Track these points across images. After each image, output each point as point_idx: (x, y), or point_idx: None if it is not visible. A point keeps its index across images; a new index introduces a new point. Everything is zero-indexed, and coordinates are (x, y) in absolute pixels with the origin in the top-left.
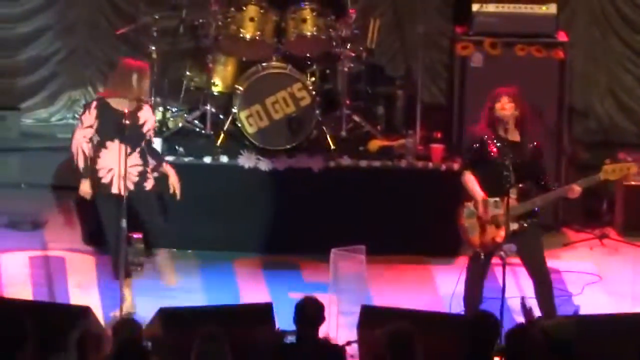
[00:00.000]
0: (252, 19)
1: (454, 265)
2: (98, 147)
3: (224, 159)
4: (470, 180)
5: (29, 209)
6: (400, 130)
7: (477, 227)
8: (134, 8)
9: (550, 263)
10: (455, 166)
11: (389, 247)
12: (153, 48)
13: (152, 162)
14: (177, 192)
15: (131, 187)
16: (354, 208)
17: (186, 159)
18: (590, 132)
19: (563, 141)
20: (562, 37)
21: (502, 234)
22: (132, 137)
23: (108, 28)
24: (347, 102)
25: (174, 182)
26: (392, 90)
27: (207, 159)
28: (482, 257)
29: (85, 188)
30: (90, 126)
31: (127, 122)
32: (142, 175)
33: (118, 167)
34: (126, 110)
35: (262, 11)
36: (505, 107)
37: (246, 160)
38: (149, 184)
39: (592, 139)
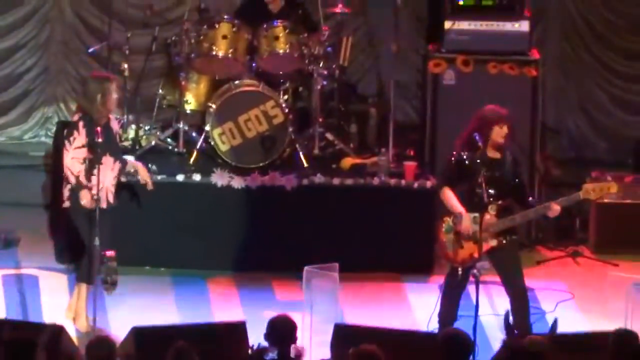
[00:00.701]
0: (224, 37)
1: (428, 283)
2: (92, 164)
3: (197, 177)
4: (449, 196)
5: (1, 227)
6: (373, 148)
7: (455, 242)
8: (107, 26)
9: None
10: (428, 184)
11: (362, 264)
12: (125, 66)
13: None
14: (149, 182)
15: (112, 200)
16: (327, 226)
17: (159, 177)
18: (563, 149)
19: (535, 158)
20: (534, 54)
21: (479, 249)
22: (115, 149)
23: (80, 46)
24: (320, 120)
25: (144, 175)
26: (364, 108)
27: (180, 177)
28: (460, 272)
29: (87, 198)
30: (82, 146)
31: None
32: (116, 188)
33: (104, 182)
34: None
35: (234, 29)
36: (505, 135)
37: (219, 178)
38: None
39: (564, 156)
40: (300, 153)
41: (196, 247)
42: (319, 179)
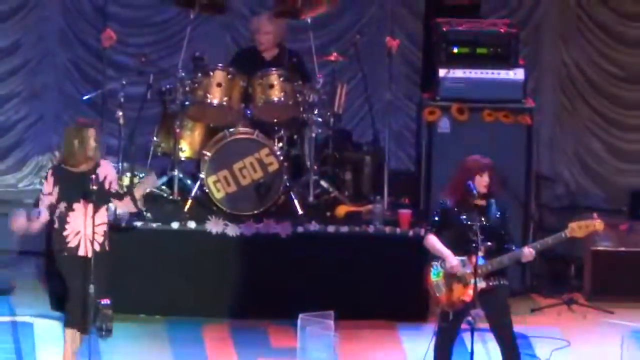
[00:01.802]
0: (219, 85)
1: (423, 330)
2: (66, 212)
3: (192, 224)
4: (434, 241)
5: None
6: (367, 196)
7: (444, 286)
8: (101, 74)
9: (518, 328)
10: (423, 232)
11: (357, 312)
12: (120, 113)
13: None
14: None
15: (97, 248)
16: (322, 273)
17: (154, 225)
18: (558, 198)
19: (530, 207)
20: (529, 102)
21: (469, 292)
22: (97, 196)
23: (75, 94)
24: (315, 167)
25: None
26: (359, 156)
27: (175, 225)
28: (451, 316)
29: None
30: (50, 193)
31: (94, 187)
32: (106, 235)
33: (84, 229)
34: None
35: (229, 77)
36: (485, 185)
37: (214, 226)
38: (107, 245)
39: (559, 204)
40: (295, 200)
41: (191, 295)
42: (313, 226)
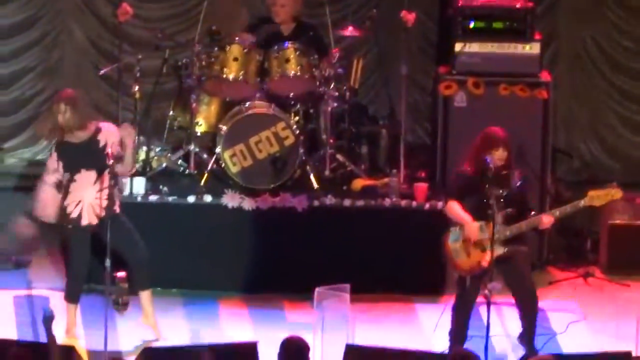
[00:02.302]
0: (235, 59)
1: (439, 304)
2: (68, 184)
3: (208, 198)
4: (455, 207)
5: (12, 249)
6: (384, 170)
7: (462, 251)
8: (117, 48)
9: None
10: (439, 205)
11: (373, 285)
12: (136, 88)
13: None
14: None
15: (102, 213)
16: (338, 247)
17: (170, 199)
18: (574, 171)
19: (546, 180)
20: (545, 76)
21: (487, 257)
22: (97, 162)
23: (91, 68)
24: (331, 141)
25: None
26: (375, 130)
27: (191, 199)
28: (468, 281)
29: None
30: (56, 169)
31: (111, 161)
32: (111, 198)
33: (85, 198)
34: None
35: (245, 51)
36: (502, 158)
37: (230, 200)
38: (117, 207)
39: (576, 178)
40: (311, 174)
41: (207, 268)
42: (329, 200)
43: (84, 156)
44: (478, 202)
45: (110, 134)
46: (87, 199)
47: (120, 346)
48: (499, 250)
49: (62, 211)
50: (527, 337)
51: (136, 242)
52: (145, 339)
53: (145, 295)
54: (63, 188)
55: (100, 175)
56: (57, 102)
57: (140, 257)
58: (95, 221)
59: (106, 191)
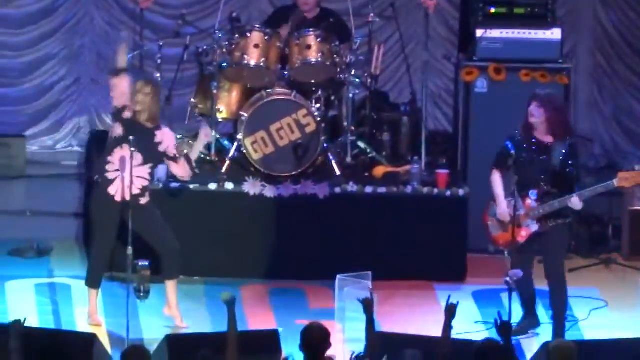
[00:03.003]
0: (256, 46)
1: (461, 291)
2: (116, 144)
3: (230, 185)
4: (495, 181)
5: (35, 237)
6: (405, 157)
7: (498, 226)
8: (138, 35)
9: None
10: (461, 192)
11: (395, 273)
12: (157, 75)
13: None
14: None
15: (127, 197)
16: (359, 234)
17: (191, 186)
18: (595, 158)
19: None
20: (566, 62)
21: (522, 234)
22: (147, 152)
23: (112, 55)
24: (352, 128)
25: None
26: (397, 117)
27: (213, 186)
28: (506, 254)
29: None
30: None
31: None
32: (143, 191)
33: (122, 173)
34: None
35: (266, 38)
36: (534, 114)
37: (251, 187)
38: (144, 200)
39: (597, 164)
40: (333, 161)
41: (229, 256)
42: (351, 187)
43: (140, 139)
44: (519, 174)
45: (168, 136)
46: (125, 174)
47: (142, 334)
48: (533, 227)
49: (102, 165)
50: (554, 320)
51: (165, 231)
52: (168, 326)
53: (170, 285)
54: (110, 144)
55: (144, 163)
56: (150, 84)
57: (171, 246)
58: (127, 199)
59: (142, 182)
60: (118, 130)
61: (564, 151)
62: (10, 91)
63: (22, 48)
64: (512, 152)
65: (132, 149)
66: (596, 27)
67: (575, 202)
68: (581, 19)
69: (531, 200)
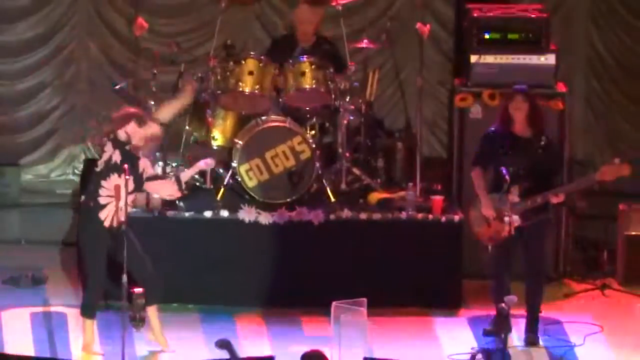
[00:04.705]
0: (251, 73)
1: (456, 318)
2: (113, 169)
3: (225, 213)
4: (476, 177)
5: (29, 265)
6: (400, 183)
7: (482, 221)
8: (133, 63)
9: (552, 314)
10: (456, 217)
11: (390, 299)
12: (152, 103)
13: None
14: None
15: (115, 224)
16: (354, 261)
17: (187, 214)
18: None
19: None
20: (561, 87)
21: (506, 228)
22: (135, 179)
23: (106, 83)
24: (347, 155)
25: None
26: (391, 143)
27: (208, 214)
28: (490, 249)
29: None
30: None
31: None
32: (127, 218)
33: (116, 201)
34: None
35: (261, 65)
36: (520, 107)
37: (247, 215)
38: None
39: (592, 189)
40: (328, 188)
41: (224, 283)
42: (346, 214)
43: (134, 169)
44: (498, 172)
45: (145, 162)
46: (117, 201)
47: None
48: (517, 222)
49: (96, 188)
50: (528, 314)
51: (141, 258)
52: (151, 349)
53: (152, 311)
54: (107, 169)
55: (132, 192)
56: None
57: (146, 273)
58: (114, 226)
59: (125, 207)
60: (117, 157)
61: (543, 144)
62: (5, 119)
63: (17, 76)
64: (491, 147)
65: (127, 177)
66: (590, 51)
67: (553, 195)
68: (575, 43)
69: (513, 195)
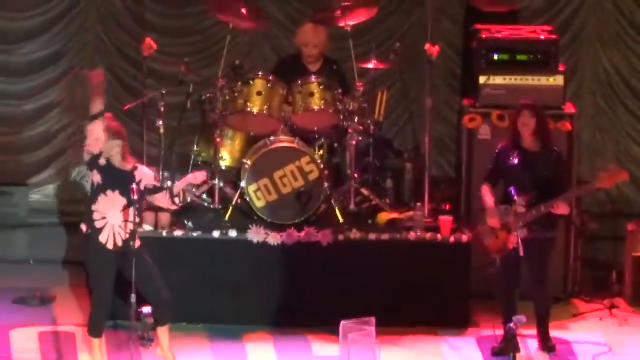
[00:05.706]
0: (259, 93)
1: (464, 337)
2: (99, 192)
3: (233, 233)
4: (485, 191)
5: (38, 285)
6: (408, 203)
7: (490, 233)
8: (141, 83)
9: (560, 333)
10: (464, 238)
11: (398, 319)
12: (160, 123)
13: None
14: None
15: (119, 243)
16: (363, 280)
17: (195, 234)
18: (599, 203)
19: (572, 212)
20: (569, 108)
21: (512, 239)
22: (128, 193)
23: (115, 104)
24: (355, 175)
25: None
26: (400, 163)
27: (216, 234)
28: (498, 261)
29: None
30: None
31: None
32: (132, 235)
33: (113, 219)
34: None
35: (269, 85)
36: (527, 123)
37: (255, 235)
38: (136, 244)
39: (600, 210)
40: (336, 208)
41: (232, 303)
42: (354, 234)
43: (121, 181)
44: (509, 182)
45: (144, 173)
46: (112, 221)
47: None
48: (523, 233)
49: (89, 215)
50: (538, 326)
51: (156, 279)
52: None
53: (162, 330)
54: (93, 193)
55: (128, 207)
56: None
57: (161, 294)
58: (119, 245)
59: (129, 225)
60: (96, 178)
61: (551, 159)
62: (13, 139)
63: (26, 96)
64: (501, 162)
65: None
66: (598, 72)
67: (561, 205)
68: (583, 64)
69: (519, 207)
